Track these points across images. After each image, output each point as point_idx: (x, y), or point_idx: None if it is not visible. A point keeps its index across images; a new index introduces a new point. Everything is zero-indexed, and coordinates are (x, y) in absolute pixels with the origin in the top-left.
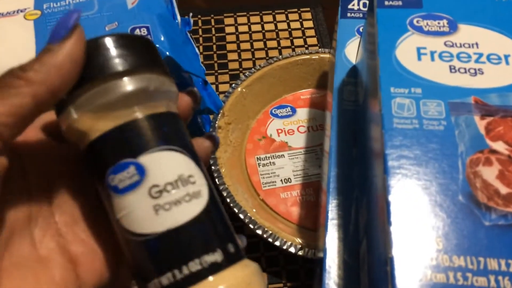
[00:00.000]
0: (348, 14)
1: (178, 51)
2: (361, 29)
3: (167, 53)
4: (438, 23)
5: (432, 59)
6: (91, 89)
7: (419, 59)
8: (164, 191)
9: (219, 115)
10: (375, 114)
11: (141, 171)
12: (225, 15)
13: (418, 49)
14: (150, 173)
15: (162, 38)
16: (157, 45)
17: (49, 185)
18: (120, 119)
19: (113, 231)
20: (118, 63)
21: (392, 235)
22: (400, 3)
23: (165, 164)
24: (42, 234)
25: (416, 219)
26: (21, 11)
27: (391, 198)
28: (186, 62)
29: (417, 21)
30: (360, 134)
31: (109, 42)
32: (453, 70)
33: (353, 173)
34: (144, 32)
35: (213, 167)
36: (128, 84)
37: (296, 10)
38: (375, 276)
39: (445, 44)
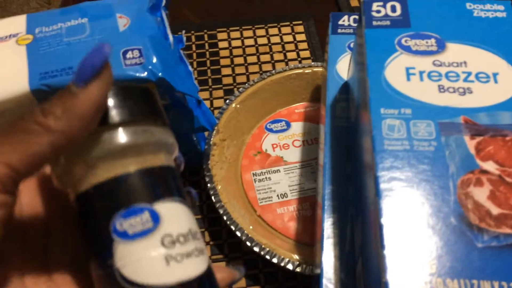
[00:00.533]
0: (339, 30)
1: (170, 72)
2: (352, 45)
3: (160, 74)
4: (426, 42)
5: (421, 79)
6: (100, 138)
7: (408, 79)
8: (177, 242)
9: (214, 132)
10: (366, 135)
11: (155, 218)
12: (218, 29)
13: (407, 69)
14: (164, 221)
15: (155, 60)
16: (150, 67)
17: (46, 235)
18: (119, 168)
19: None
20: (122, 113)
21: (386, 259)
22: (388, 23)
23: (179, 215)
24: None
25: (409, 242)
26: (13, 35)
27: (383, 221)
28: (179, 82)
29: (406, 41)
30: (353, 151)
31: (111, 92)
32: (442, 90)
33: (347, 190)
34: (136, 54)
35: (209, 185)
36: (154, 132)
37: (288, 23)
38: None
39: (433, 63)
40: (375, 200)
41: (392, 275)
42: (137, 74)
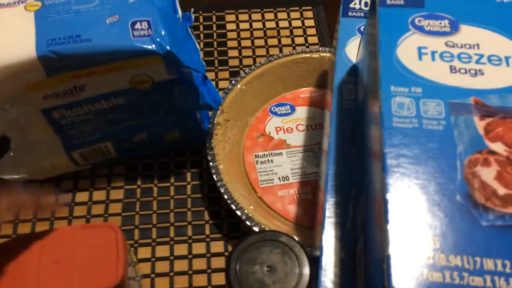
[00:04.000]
0: (350, 13)
1: (178, 46)
2: (362, 28)
3: (168, 47)
4: (440, 23)
5: (433, 59)
6: None
7: (420, 58)
8: None
9: (218, 112)
10: (374, 113)
11: None
12: (226, 11)
13: (419, 48)
14: None
15: (163, 32)
16: (158, 39)
17: None
18: None
19: None
20: None
21: (389, 233)
22: (402, 2)
23: None
24: None
25: (414, 218)
26: (22, 1)
27: (389, 196)
28: (186, 57)
29: (419, 21)
30: (359, 132)
31: None
32: (453, 71)
33: (351, 171)
34: (144, 25)
35: (211, 163)
36: None
37: (297, 8)
38: (371, 274)
39: (446, 44)
40: (381, 175)
41: (394, 249)
42: (145, 46)
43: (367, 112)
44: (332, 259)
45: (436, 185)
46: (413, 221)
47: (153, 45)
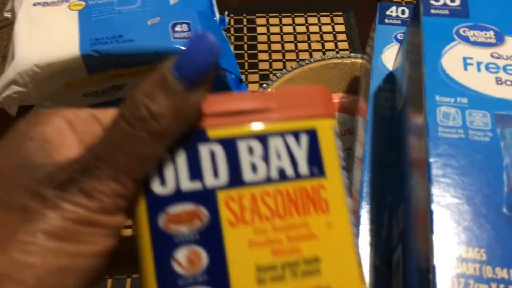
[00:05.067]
0: (386, 21)
1: None
2: (398, 36)
3: None
4: (485, 34)
5: (479, 69)
6: None
7: (465, 69)
8: None
9: None
10: (418, 122)
11: None
12: (257, 15)
13: (465, 59)
14: None
15: None
16: None
17: None
18: None
19: None
20: None
21: (434, 244)
22: (446, 12)
23: None
24: None
25: (460, 229)
26: (66, 1)
27: (434, 206)
28: (223, 59)
29: (464, 31)
30: (397, 140)
31: None
32: (499, 82)
33: (386, 178)
34: (185, 28)
35: None
36: None
37: (328, 13)
38: (411, 284)
39: (491, 55)
40: (426, 186)
41: (440, 259)
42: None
43: (407, 121)
44: (366, 267)
45: (482, 197)
46: (458, 232)
47: None
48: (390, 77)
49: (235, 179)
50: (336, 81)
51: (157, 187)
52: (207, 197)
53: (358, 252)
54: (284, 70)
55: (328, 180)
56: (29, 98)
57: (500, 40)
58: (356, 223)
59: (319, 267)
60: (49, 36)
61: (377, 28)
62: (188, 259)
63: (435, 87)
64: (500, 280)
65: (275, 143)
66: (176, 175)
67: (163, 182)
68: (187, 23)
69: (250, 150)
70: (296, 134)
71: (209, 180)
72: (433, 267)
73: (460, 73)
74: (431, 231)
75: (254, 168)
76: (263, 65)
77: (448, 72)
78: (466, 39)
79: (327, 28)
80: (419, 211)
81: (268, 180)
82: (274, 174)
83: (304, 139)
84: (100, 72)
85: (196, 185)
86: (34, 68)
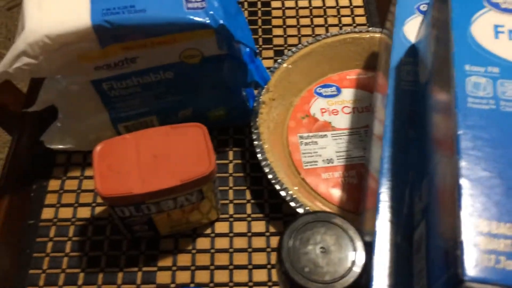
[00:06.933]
0: None
1: (231, 20)
2: (421, 7)
3: (221, 21)
4: None
5: (510, 38)
6: None
7: (496, 37)
8: None
9: (264, 90)
10: (444, 94)
11: None
12: None
13: (496, 26)
14: None
15: (216, 5)
16: (211, 12)
17: None
18: None
19: None
20: None
21: (462, 219)
22: None
23: None
24: None
25: (490, 204)
26: None
27: (462, 181)
28: (238, 31)
29: None
30: (420, 115)
31: None
32: None
33: (408, 154)
34: None
35: (256, 142)
36: None
37: None
38: (435, 260)
39: None
40: (454, 159)
41: (468, 235)
42: (198, 19)
43: (432, 95)
44: (386, 244)
45: None
46: (489, 207)
47: (207, 18)
48: (413, 50)
49: None
50: (353, 57)
51: None
52: None
53: None
54: (300, 45)
55: None
56: (40, 70)
57: None
58: (374, 201)
59: None
60: (60, 6)
61: (398, 0)
62: None
63: (464, 56)
64: None
65: None
66: None
67: None
68: None
69: None
70: None
71: None
72: (461, 243)
73: (491, 42)
74: (459, 206)
75: None
76: (278, 41)
77: (478, 41)
78: (496, 6)
79: (344, 2)
80: (445, 187)
81: None
82: None
83: None
84: (111, 44)
85: None
86: (45, 39)
